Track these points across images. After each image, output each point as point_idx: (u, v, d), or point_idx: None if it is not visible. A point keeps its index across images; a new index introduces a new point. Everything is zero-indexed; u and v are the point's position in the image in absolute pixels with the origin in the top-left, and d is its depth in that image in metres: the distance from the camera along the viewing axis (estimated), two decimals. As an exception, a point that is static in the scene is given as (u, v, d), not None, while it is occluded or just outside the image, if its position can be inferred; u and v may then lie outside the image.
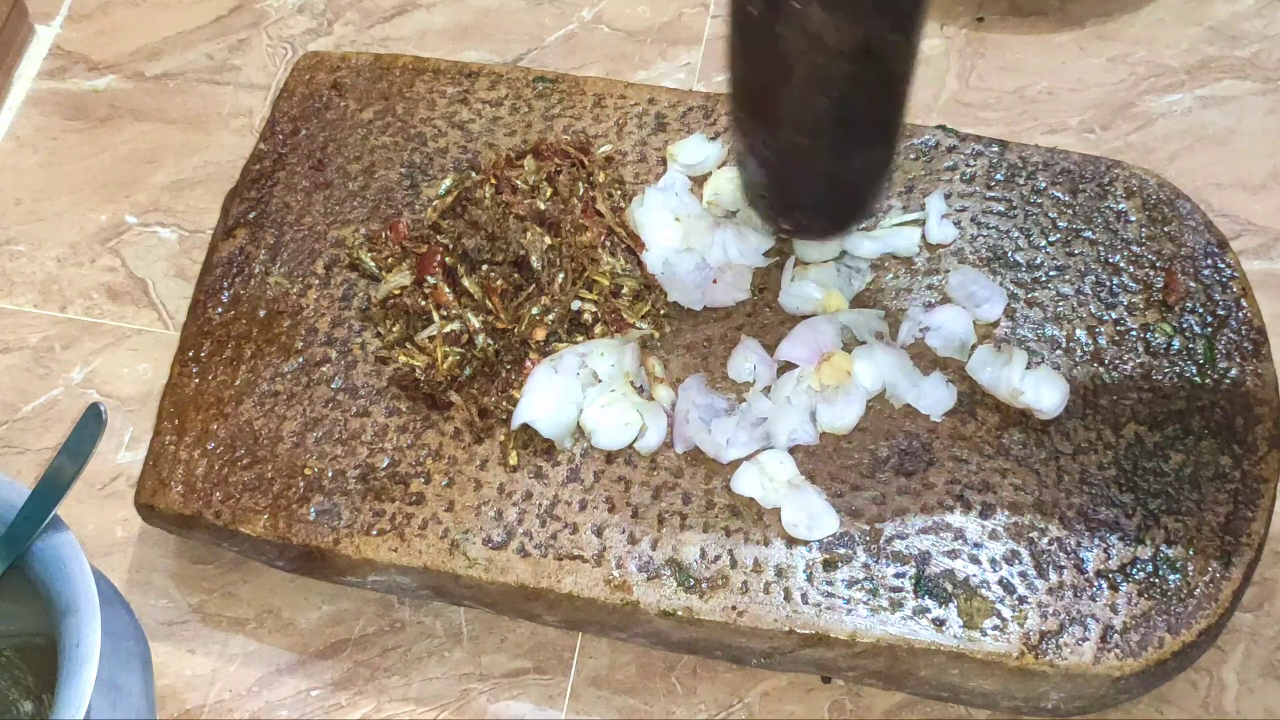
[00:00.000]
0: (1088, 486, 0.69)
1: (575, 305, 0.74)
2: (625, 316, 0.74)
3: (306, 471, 0.70)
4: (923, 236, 0.77)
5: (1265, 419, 0.71)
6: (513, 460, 0.70)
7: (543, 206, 0.76)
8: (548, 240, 0.75)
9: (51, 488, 0.58)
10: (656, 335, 0.74)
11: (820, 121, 0.61)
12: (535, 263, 0.74)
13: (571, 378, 0.71)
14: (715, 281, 0.75)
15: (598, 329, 0.74)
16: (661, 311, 0.75)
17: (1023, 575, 0.67)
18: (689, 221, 0.77)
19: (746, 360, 0.73)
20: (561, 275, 0.74)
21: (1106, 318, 0.74)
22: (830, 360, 0.72)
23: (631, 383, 0.72)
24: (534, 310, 0.73)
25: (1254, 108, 0.93)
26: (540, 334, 0.73)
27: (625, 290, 0.75)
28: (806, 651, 0.67)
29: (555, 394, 0.70)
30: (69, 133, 0.94)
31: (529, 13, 0.98)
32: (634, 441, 0.71)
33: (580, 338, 0.73)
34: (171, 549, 0.77)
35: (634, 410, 0.71)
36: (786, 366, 0.73)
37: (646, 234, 0.76)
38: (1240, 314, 0.74)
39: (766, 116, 0.63)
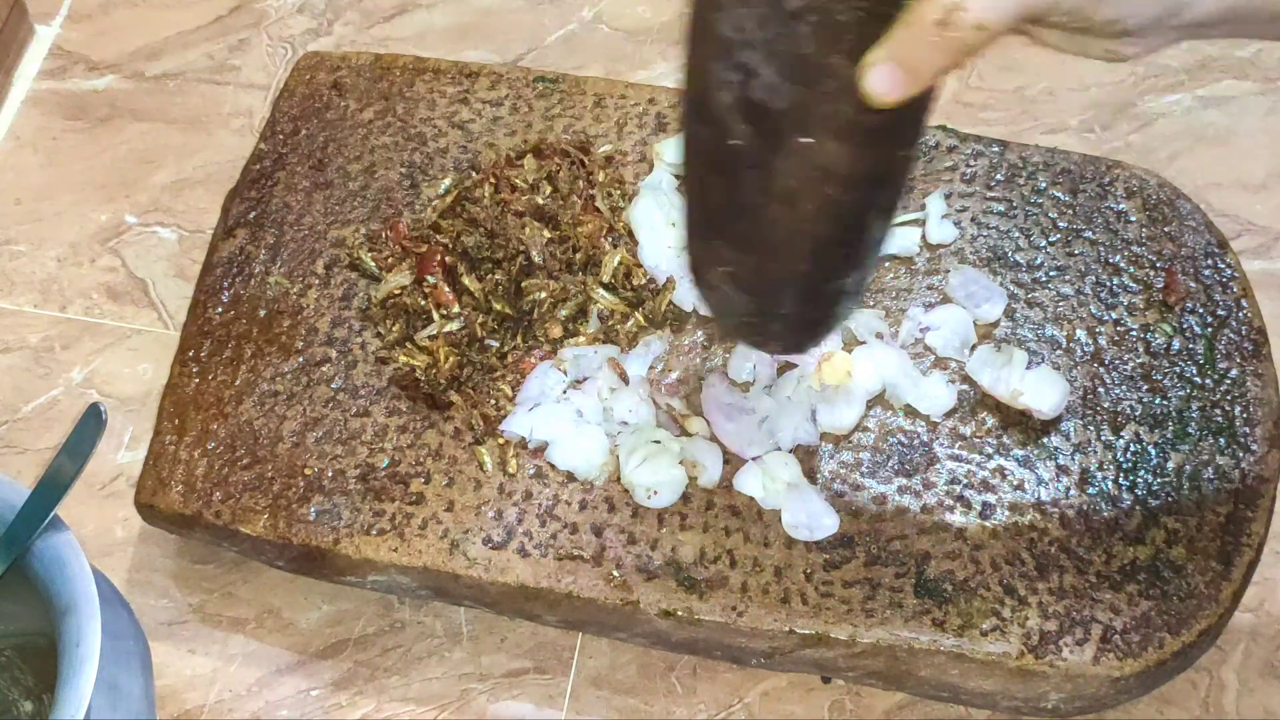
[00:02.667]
0: (1088, 486, 0.69)
1: (597, 295, 0.74)
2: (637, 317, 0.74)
3: (306, 471, 0.70)
4: (923, 236, 0.77)
5: (1265, 419, 0.71)
6: (511, 469, 0.70)
7: (541, 202, 0.76)
8: (546, 234, 0.75)
9: (51, 488, 0.57)
10: (659, 336, 0.74)
11: (823, 248, 0.57)
12: (535, 256, 0.74)
13: (596, 427, 0.71)
14: None
15: (612, 322, 0.74)
16: (663, 308, 0.75)
17: (1023, 576, 0.67)
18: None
19: (746, 360, 0.73)
20: (573, 265, 0.74)
21: (1107, 318, 0.74)
22: (830, 360, 0.72)
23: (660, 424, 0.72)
24: (541, 294, 0.73)
25: (1254, 108, 0.93)
26: (556, 331, 0.73)
27: (635, 280, 0.75)
28: (806, 652, 0.67)
29: (588, 442, 0.70)
30: (69, 133, 0.94)
31: (529, 13, 0.98)
32: (693, 482, 0.70)
33: (583, 331, 0.73)
34: (171, 549, 0.77)
35: (674, 458, 0.70)
36: (786, 366, 0.73)
37: (641, 234, 0.76)
38: (1240, 314, 0.74)
39: (754, 246, 0.58)
